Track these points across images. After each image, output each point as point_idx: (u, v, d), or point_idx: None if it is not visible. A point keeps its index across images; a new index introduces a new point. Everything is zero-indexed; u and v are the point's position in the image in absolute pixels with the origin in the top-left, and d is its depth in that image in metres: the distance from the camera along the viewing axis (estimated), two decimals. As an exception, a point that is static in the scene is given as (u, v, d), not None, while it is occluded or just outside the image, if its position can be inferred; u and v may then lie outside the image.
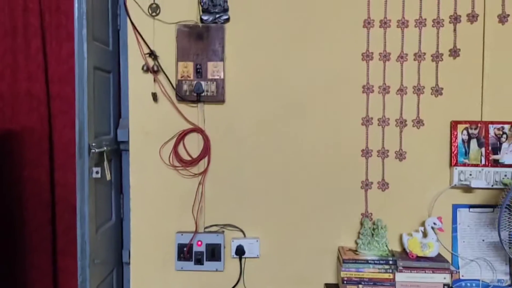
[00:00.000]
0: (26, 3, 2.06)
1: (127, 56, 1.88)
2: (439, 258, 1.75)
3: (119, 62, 2.00)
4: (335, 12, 1.83)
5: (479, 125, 1.80)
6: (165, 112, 1.86)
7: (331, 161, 1.86)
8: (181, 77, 1.83)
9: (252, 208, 1.88)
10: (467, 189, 1.83)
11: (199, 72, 1.82)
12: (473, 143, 1.80)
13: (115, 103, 1.99)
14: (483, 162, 1.80)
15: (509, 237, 1.64)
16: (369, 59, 1.84)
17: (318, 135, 1.86)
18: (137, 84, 1.87)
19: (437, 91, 1.83)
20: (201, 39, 1.83)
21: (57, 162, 2.14)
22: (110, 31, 1.94)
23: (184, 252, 1.84)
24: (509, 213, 1.62)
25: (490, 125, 1.80)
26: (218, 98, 1.83)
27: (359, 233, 1.84)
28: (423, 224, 1.80)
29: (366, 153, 1.86)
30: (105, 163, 1.78)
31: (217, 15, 1.83)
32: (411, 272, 1.72)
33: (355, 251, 1.81)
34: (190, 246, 1.84)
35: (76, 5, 1.62)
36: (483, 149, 1.80)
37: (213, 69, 1.83)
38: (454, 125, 1.81)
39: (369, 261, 1.74)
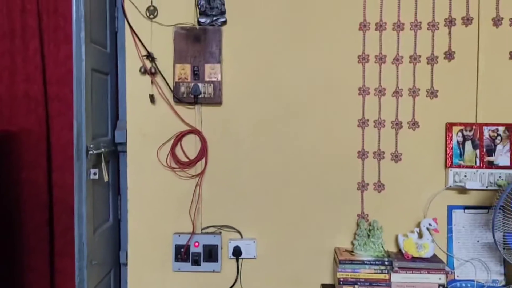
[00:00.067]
0: (24, 5, 2.07)
1: (124, 58, 1.89)
2: (434, 258, 1.76)
3: (117, 64, 2.01)
4: (331, 15, 1.85)
5: (473, 127, 1.82)
6: (162, 114, 1.87)
7: (328, 163, 1.87)
8: (179, 79, 1.84)
9: (249, 209, 1.89)
10: (462, 190, 1.84)
11: (197, 74, 1.83)
12: (468, 145, 1.82)
13: (113, 105, 2.00)
14: (477, 163, 1.81)
15: (504, 238, 1.66)
16: (365, 62, 1.85)
17: (314, 136, 1.87)
18: (135, 86, 1.88)
19: (432, 93, 1.84)
20: (199, 41, 1.84)
21: (55, 164, 2.15)
22: (108, 33, 1.95)
23: (181, 253, 1.85)
24: (503, 214, 1.63)
25: (484, 127, 1.82)
26: (215, 100, 1.85)
27: (355, 234, 1.85)
28: (418, 225, 1.82)
29: (362, 154, 1.87)
30: (103, 164, 1.79)
31: (214, 18, 1.84)
32: (406, 272, 1.73)
33: (351, 252, 1.82)
34: (187, 247, 1.85)
35: (74, 7, 1.63)
36: (477, 151, 1.82)
37: (210, 71, 1.84)
38: (449, 127, 1.82)
39: (365, 262, 1.75)
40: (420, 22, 1.83)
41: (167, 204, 1.89)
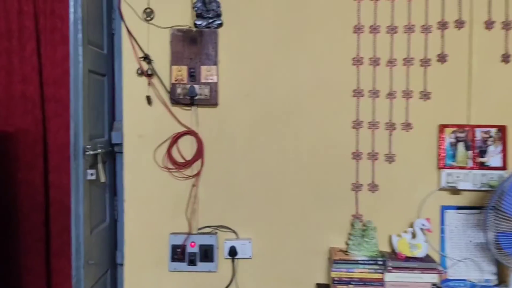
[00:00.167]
0: (21, 6, 2.08)
1: (121, 60, 1.90)
2: (427, 258, 1.78)
3: (113, 66, 2.02)
4: (326, 18, 1.86)
5: (466, 128, 1.84)
6: (159, 115, 1.88)
7: (322, 164, 1.89)
8: (175, 80, 1.86)
9: (245, 209, 1.90)
10: (455, 191, 1.86)
11: (193, 75, 1.85)
12: (461, 146, 1.84)
13: (109, 106, 2.01)
14: (470, 164, 1.83)
15: (495, 238, 1.67)
16: (359, 64, 1.87)
17: (309, 138, 1.89)
18: (132, 88, 1.89)
19: (425, 95, 1.86)
20: (195, 44, 1.85)
21: (52, 164, 2.16)
22: (105, 35, 1.96)
23: (178, 253, 1.86)
24: (495, 215, 1.65)
25: (477, 129, 1.84)
26: (211, 101, 1.86)
27: (349, 234, 1.87)
28: (412, 225, 1.83)
29: (357, 155, 1.89)
30: (100, 165, 1.80)
31: (211, 20, 1.86)
32: (400, 272, 1.75)
33: (345, 252, 1.83)
34: (183, 247, 1.86)
35: (71, 9, 1.64)
36: (470, 152, 1.84)
37: (206, 73, 1.86)
38: (441, 128, 1.84)
39: (359, 262, 1.77)
40: (414, 25, 1.85)
41: (164, 205, 1.90)
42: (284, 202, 1.90)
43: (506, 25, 1.83)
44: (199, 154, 1.89)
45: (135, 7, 1.87)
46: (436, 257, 1.84)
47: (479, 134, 1.84)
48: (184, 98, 1.85)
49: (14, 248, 2.13)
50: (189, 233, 1.87)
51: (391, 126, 1.88)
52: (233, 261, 1.89)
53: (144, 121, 1.89)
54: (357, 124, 1.88)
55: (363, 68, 1.87)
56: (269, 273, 1.90)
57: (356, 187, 1.89)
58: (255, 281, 1.91)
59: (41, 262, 2.13)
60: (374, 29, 1.86)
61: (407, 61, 1.86)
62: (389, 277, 1.75)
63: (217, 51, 1.85)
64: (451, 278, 1.85)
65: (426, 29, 1.85)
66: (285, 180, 1.90)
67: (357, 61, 1.87)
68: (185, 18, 1.87)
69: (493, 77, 1.85)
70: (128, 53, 1.88)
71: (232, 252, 1.88)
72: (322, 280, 1.90)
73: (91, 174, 1.73)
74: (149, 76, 1.87)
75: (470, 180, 1.82)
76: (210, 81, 1.85)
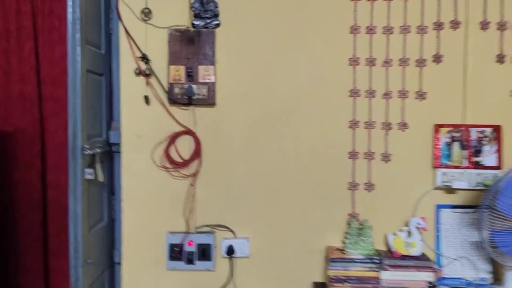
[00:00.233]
0: (19, 6, 2.09)
1: (119, 60, 1.91)
2: (423, 257, 1.79)
3: (111, 65, 2.02)
4: (323, 18, 1.88)
5: (461, 128, 1.85)
6: (157, 115, 1.89)
7: (319, 163, 1.90)
8: (173, 80, 1.86)
9: (242, 209, 1.91)
10: (450, 190, 1.87)
11: (191, 75, 1.86)
12: (456, 145, 1.85)
13: (107, 106, 2.01)
14: (465, 164, 1.85)
15: (490, 237, 1.68)
16: (355, 64, 1.88)
17: (306, 137, 1.90)
18: (130, 87, 1.89)
19: (421, 95, 1.88)
20: (193, 44, 1.86)
21: (49, 164, 2.16)
22: (103, 35, 1.96)
23: (176, 252, 1.87)
24: (490, 214, 1.66)
25: (472, 129, 1.85)
26: (209, 101, 1.87)
27: (346, 233, 1.87)
28: (407, 224, 1.84)
29: (353, 155, 1.90)
30: (98, 164, 1.81)
31: (208, 20, 1.87)
32: (396, 270, 1.76)
33: (342, 251, 1.84)
34: (181, 246, 1.87)
35: (69, 9, 1.65)
36: (465, 152, 1.85)
37: (204, 72, 1.87)
38: (437, 128, 1.86)
39: (356, 260, 1.78)
40: (409, 26, 1.87)
41: (161, 204, 1.91)
42: (281, 201, 1.91)
43: (501, 26, 1.84)
44: (197, 153, 1.90)
45: (133, 7, 1.88)
46: (431, 255, 1.85)
47: (474, 133, 1.85)
48: (182, 98, 1.86)
49: (12, 248, 2.13)
50: (187, 232, 1.88)
51: (387, 126, 1.89)
52: (230, 260, 1.90)
53: (142, 120, 1.90)
54: (353, 124, 1.90)
55: (360, 68, 1.88)
56: (266, 272, 1.92)
57: (353, 186, 1.90)
58: (253, 280, 1.92)
59: (39, 261, 2.14)
60: (370, 30, 1.87)
61: (403, 62, 1.88)
62: (385, 275, 1.76)
63: (215, 51, 1.86)
64: (446, 277, 1.86)
65: (421, 29, 1.86)
66: (282, 179, 1.91)
67: (354, 61, 1.88)
68: (183, 18, 1.88)
69: (488, 78, 1.86)
70: (126, 53, 1.89)
71: (230, 251, 1.89)
72: (319, 279, 1.91)
73: (89, 174, 1.73)
74: (147, 76, 1.88)
75: (465, 179, 1.84)
76: (207, 81, 1.86)
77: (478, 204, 1.74)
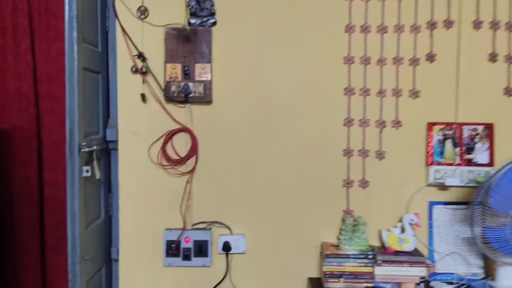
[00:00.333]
0: (15, 4, 2.08)
1: (115, 58, 1.91)
2: (416, 252, 1.81)
3: (108, 63, 2.03)
4: (318, 17, 1.89)
5: (454, 126, 1.88)
6: (153, 113, 1.90)
7: (314, 161, 1.92)
8: (170, 78, 1.87)
9: (239, 205, 1.93)
10: (443, 187, 1.89)
11: (187, 73, 1.87)
12: (448, 143, 1.88)
13: (104, 103, 2.01)
14: (457, 161, 1.87)
15: (482, 233, 1.70)
16: (350, 63, 1.90)
17: (301, 135, 1.91)
18: (126, 85, 1.90)
19: (414, 93, 1.90)
20: (189, 42, 1.87)
21: (46, 161, 2.16)
22: (99, 33, 1.96)
23: (172, 249, 1.88)
24: (482, 210, 1.68)
25: (464, 126, 1.87)
26: (205, 99, 1.88)
27: (340, 229, 1.89)
28: (401, 220, 1.86)
29: (348, 152, 1.92)
30: (95, 162, 1.82)
31: (205, 19, 1.88)
32: (389, 265, 1.78)
33: (337, 247, 1.86)
34: (178, 243, 1.89)
35: (66, 7, 1.65)
36: (457, 149, 1.87)
37: (200, 70, 1.88)
38: (430, 126, 1.88)
39: (350, 256, 1.80)
40: (403, 25, 1.88)
41: (158, 201, 1.92)
42: (277, 198, 1.93)
43: (494, 25, 1.87)
44: (193, 151, 1.91)
45: (129, 5, 1.88)
46: (424, 251, 1.87)
47: (466, 131, 1.87)
48: (179, 96, 1.87)
49: (10, 244, 2.14)
50: (183, 229, 1.90)
51: (381, 123, 1.91)
52: (227, 256, 1.92)
53: (138, 118, 1.91)
54: (348, 122, 1.92)
55: (354, 67, 1.90)
56: (262, 268, 1.93)
57: (347, 183, 1.92)
58: (249, 276, 1.93)
59: (37, 258, 2.14)
60: (365, 29, 1.89)
61: (397, 60, 1.89)
62: (379, 270, 1.78)
63: (211, 49, 1.87)
64: (439, 272, 1.88)
65: (415, 29, 1.88)
66: (277, 176, 1.92)
67: (348, 60, 1.90)
68: (179, 17, 1.89)
69: (480, 76, 1.88)
70: (122, 51, 1.89)
71: (226, 247, 1.90)
72: (314, 274, 1.93)
73: (87, 171, 1.74)
74: (143, 74, 1.89)
75: (457, 176, 1.86)
76: (204, 79, 1.87)
77: (470, 201, 1.76)
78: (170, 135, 1.90)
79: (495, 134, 1.87)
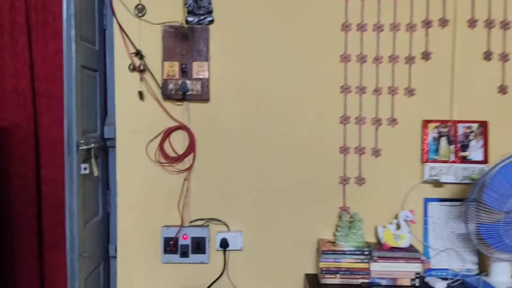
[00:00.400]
0: (12, 2, 2.08)
1: (113, 55, 1.91)
2: (411, 248, 1.83)
3: (105, 61, 2.03)
4: (315, 16, 1.90)
5: (449, 124, 1.89)
6: (151, 110, 1.91)
7: (311, 158, 1.93)
8: (167, 76, 1.88)
9: (236, 202, 1.94)
10: (438, 184, 1.91)
11: (185, 71, 1.88)
12: (443, 140, 1.90)
13: (102, 101, 2.02)
14: (452, 158, 1.89)
15: (476, 229, 1.71)
16: (347, 61, 1.91)
17: (298, 133, 1.92)
18: (124, 83, 1.91)
19: (410, 91, 1.91)
20: (186, 40, 1.88)
21: (44, 159, 2.16)
22: (97, 31, 1.97)
23: (170, 245, 1.89)
24: (476, 207, 1.69)
25: (459, 124, 1.89)
26: (203, 96, 1.89)
27: (337, 225, 1.91)
28: (396, 217, 1.88)
29: (344, 150, 1.94)
30: (93, 159, 1.82)
31: (202, 17, 1.88)
32: (385, 261, 1.79)
33: (333, 243, 1.87)
34: (176, 240, 1.90)
35: (64, 6, 1.65)
36: (452, 147, 1.89)
37: (198, 68, 1.89)
38: (425, 124, 1.89)
39: (346, 252, 1.81)
40: (399, 24, 1.90)
41: (156, 198, 1.93)
42: (274, 195, 1.94)
43: (488, 24, 1.88)
44: (191, 148, 1.92)
45: (127, 3, 1.88)
46: (419, 247, 1.89)
47: (461, 129, 1.89)
48: (176, 94, 1.88)
49: (8, 242, 2.14)
50: (181, 226, 1.91)
51: (377, 121, 1.93)
52: (224, 253, 1.93)
53: (136, 116, 1.92)
54: (344, 120, 1.93)
55: (351, 65, 1.91)
56: (259, 264, 1.95)
57: (344, 180, 1.94)
58: (246, 272, 1.95)
59: (35, 255, 2.14)
60: (361, 27, 1.90)
61: (393, 59, 1.91)
62: (374, 266, 1.80)
63: (209, 47, 1.88)
64: (434, 268, 1.90)
65: (411, 27, 1.90)
66: (274, 173, 1.93)
67: (345, 58, 1.91)
68: (176, 15, 1.89)
69: (475, 74, 1.89)
70: (120, 49, 1.90)
71: (224, 244, 1.92)
72: (311, 271, 1.94)
73: (85, 169, 1.75)
74: (141, 71, 1.90)
75: (452, 173, 1.87)
76: (201, 77, 1.88)
77: (465, 198, 1.77)
78: (167, 133, 1.91)
79: (489, 132, 1.89)
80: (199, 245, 1.90)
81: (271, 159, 1.93)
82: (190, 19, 1.88)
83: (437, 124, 1.89)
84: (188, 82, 1.88)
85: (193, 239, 1.90)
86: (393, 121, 1.92)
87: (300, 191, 1.94)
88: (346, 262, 1.81)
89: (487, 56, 1.89)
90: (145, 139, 1.92)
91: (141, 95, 1.90)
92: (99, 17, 1.98)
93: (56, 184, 2.14)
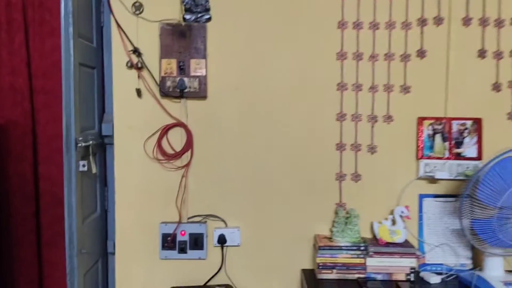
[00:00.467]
0: (9, -1, 2.08)
1: (110, 53, 1.92)
2: (406, 244, 1.85)
3: (103, 58, 2.03)
4: (311, 13, 1.91)
5: (443, 121, 1.91)
6: (149, 108, 1.91)
7: (308, 155, 1.94)
8: (165, 73, 1.89)
9: (233, 199, 1.95)
10: (432, 180, 1.93)
11: (182, 69, 1.89)
12: (438, 137, 1.91)
13: (99, 98, 2.02)
14: (446, 155, 1.91)
15: (470, 225, 1.73)
16: (343, 59, 1.93)
17: (295, 130, 1.94)
18: (121, 80, 1.91)
19: (405, 89, 1.93)
20: (184, 37, 1.89)
21: (41, 156, 2.15)
22: (94, 28, 1.97)
23: (168, 242, 1.91)
24: (470, 202, 1.71)
25: (453, 121, 1.91)
26: (200, 94, 1.90)
27: (333, 221, 1.92)
28: (392, 212, 1.90)
29: (340, 147, 1.95)
30: (91, 156, 1.83)
31: (199, 15, 1.89)
32: (381, 257, 1.81)
33: (329, 239, 1.89)
34: (174, 236, 1.91)
35: (62, 3, 1.65)
36: (447, 143, 1.91)
37: (195, 66, 1.89)
38: (420, 121, 1.91)
39: (343, 248, 1.83)
40: (394, 22, 1.91)
41: (154, 195, 1.94)
42: (271, 191, 1.95)
43: (483, 22, 1.90)
44: (188, 145, 1.93)
45: (124, 1, 1.89)
46: (414, 242, 1.91)
47: (455, 126, 1.91)
48: (174, 91, 1.89)
49: (6, 240, 2.14)
50: (179, 222, 1.92)
51: (373, 118, 1.94)
52: (222, 249, 1.95)
53: (134, 113, 1.92)
54: (340, 117, 1.95)
55: (347, 63, 1.93)
56: (256, 260, 1.96)
57: (340, 177, 1.96)
58: (243, 268, 1.96)
59: (33, 252, 2.14)
60: (357, 25, 1.92)
61: (388, 56, 1.92)
62: (370, 261, 1.82)
63: (206, 45, 1.89)
64: (428, 263, 1.92)
65: (406, 25, 1.91)
66: (272, 170, 1.95)
67: (341, 56, 1.93)
68: (174, 12, 1.90)
69: (469, 72, 1.91)
70: (117, 46, 1.90)
71: (221, 240, 1.93)
72: (308, 266, 1.96)
73: (83, 166, 1.75)
74: (138, 69, 1.90)
75: (446, 169, 1.89)
76: (199, 74, 1.89)
77: (459, 194, 1.78)
78: (165, 130, 1.92)
79: (483, 129, 1.91)
80: (197, 241, 1.92)
81: (268, 156, 1.95)
82: (187, 16, 1.89)
83: (432, 121, 1.91)
84: (185, 79, 1.88)
85: (191, 235, 1.92)
86: (388, 118, 1.94)
87: (297, 188, 1.95)
88: (343, 258, 1.83)
89: (481, 54, 1.91)
90: (143, 136, 1.92)
91: (138, 92, 1.91)
92: (97, 15, 1.98)
93: (54, 181, 2.14)
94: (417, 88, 1.92)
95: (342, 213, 1.91)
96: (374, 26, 1.92)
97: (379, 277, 1.82)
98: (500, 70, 1.91)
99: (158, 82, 1.90)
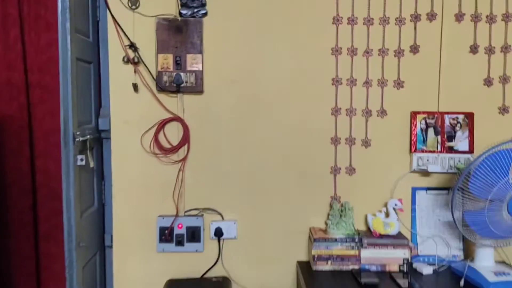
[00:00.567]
0: (4, -6, 2.07)
1: (107, 48, 1.92)
2: (399, 236, 1.88)
3: (99, 53, 2.04)
4: (307, 9, 1.92)
5: (436, 115, 1.94)
6: (145, 102, 1.92)
7: (303, 148, 1.96)
8: (161, 68, 1.90)
9: (230, 192, 1.97)
10: (425, 173, 1.96)
11: (179, 63, 1.90)
12: (431, 131, 1.94)
13: (96, 93, 2.03)
14: (439, 149, 1.94)
15: (462, 217, 1.76)
16: (338, 54, 1.94)
17: (290, 124, 1.95)
18: (118, 75, 1.92)
19: (398, 84, 1.95)
20: (180, 32, 1.89)
21: (38, 150, 2.16)
22: (90, 23, 1.97)
23: (166, 235, 1.92)
24: (461, 195, 1.73)
25: (446, 115, 1.93)
26: (197, 88, 1.91)
27: (328, 214, 1.95)
28: (385, 205, 1.93)
29: (335, 140, 1.98)
30: (88, 151, 1.84)
31: (195, 10, 1.90)
32: (375, 248, 1.84)
33: (324, 231, 1.91)
34: (171, 229, 1.93)
35: (59, -1, 1.66)
36: (439, 137, 1.94)
37: (191, 61, 1.90)
38: (413, 115, 1.94)
39: (338, 240, 1.86)
40: (388, 18, 1.93)
41: (151, 189, 1.95)
42: (267, 185, 1.97)
43: (475, 18, 1.92)
44: (185, 139, 1.94)
45: (120, -4, 1.89)
46: (407, 234, 1.94)
47: (447, 120, 1.93)
48: (170, 86, 1.90)
49: (3, 232, 2.15)
50: (176, 216, 1.94)
51: (367, 113, 1.97)
52: (219, 242, 1.97)
53: (130, 107, 1.93)
54: (335, 111, 1.97)
55: (342, 58, 1.94)
56: (253, 252, 1.98)
57: (335, 170, 1.98)
58: (240, 260, 1.98)
59: (30, 245, 2.16)
60: (351, 21, 1.93)
61: (382, 52, 1.94)
62: (364, 253, 1.85)
63: (202, 39, 1.90)
64: (421, 254, 1.95)
65: (400, 21, 1.93)
66: (267, 164, 1.97)
67: (336, 51, 1.95)
68: (170, 7, 1.90)
69: (461, 67, 1.93)
70: (113, 41, 1.90)
71: (218, 233, 1.95)
72: (303, 258, 1.99)
73: (81, 160, 1.76)
74: (135, 63, 1.91)
75: (439, 163, 1.92)
76: (195, 69, 1.90)
77: (451, 186, 1.81)
78: (162, 124, 1.93)
79: (474, 123, 1.94)
80: (194, 234, 1.94)
81: (264, 149, 1.96)
82: (183, 11, 1.89)
83: (425, 115, 1.94)
84: (182, 74, 1.90)
85: (188, 228, 1.94)
86: (382, 112, 1.96)
87: (292, 181, 1.97)
88: (337, 250, 1.86)
89: (473, 49, 1.94)
90: (140, 130, 1.93)
91: (135, 87, 1.92)
92: (93, 9, 1.98)
93: (51, 174, 2.15)
94: (410, 83, 1.95)
95: (337, 206, 1.94)
96: (369, 21, 1.93)
97: (373, 268, 1.85)
98: (492, 65, 1.94)
99: (154, 76, 1.91)
